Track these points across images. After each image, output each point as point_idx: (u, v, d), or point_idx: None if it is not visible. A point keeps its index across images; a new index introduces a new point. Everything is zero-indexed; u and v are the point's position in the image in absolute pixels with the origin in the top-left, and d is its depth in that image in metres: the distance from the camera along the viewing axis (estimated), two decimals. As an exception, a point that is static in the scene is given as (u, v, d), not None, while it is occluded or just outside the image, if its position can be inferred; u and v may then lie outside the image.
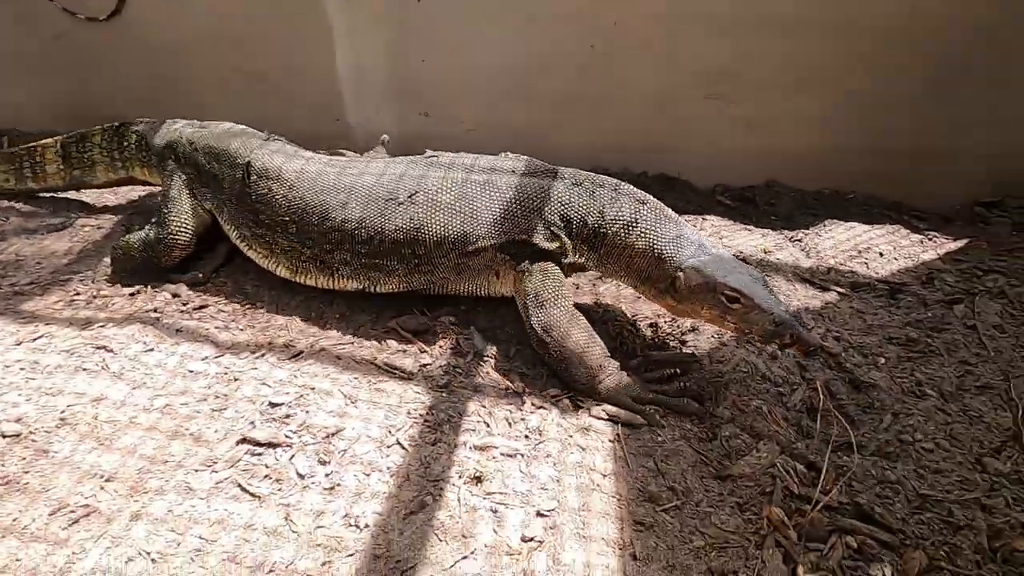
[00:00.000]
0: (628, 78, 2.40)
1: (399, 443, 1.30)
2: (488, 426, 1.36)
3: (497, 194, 1.58)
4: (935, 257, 2.03)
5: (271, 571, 1.04)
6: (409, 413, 1.38)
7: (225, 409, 1.35)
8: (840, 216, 2.28)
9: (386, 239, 1.59)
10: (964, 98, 2.20)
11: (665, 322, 1.75)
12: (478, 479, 1.22)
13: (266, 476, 1.20)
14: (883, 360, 1.59)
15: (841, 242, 2.13)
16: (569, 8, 2.28)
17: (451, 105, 2.58)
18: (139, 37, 2.59)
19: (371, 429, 1.32)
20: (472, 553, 1.08)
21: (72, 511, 1.12)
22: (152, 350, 1.52)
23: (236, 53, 2.57)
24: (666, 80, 2.37)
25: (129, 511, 1.13)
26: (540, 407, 1.42)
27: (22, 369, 1.43)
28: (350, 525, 1.12)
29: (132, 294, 1.79)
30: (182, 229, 1.81)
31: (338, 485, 1.19)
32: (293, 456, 1.24)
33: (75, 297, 1.77)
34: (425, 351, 1.60)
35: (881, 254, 2.05)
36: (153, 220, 1.85)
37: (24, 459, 1.21)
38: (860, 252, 2.07)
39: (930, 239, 2.13)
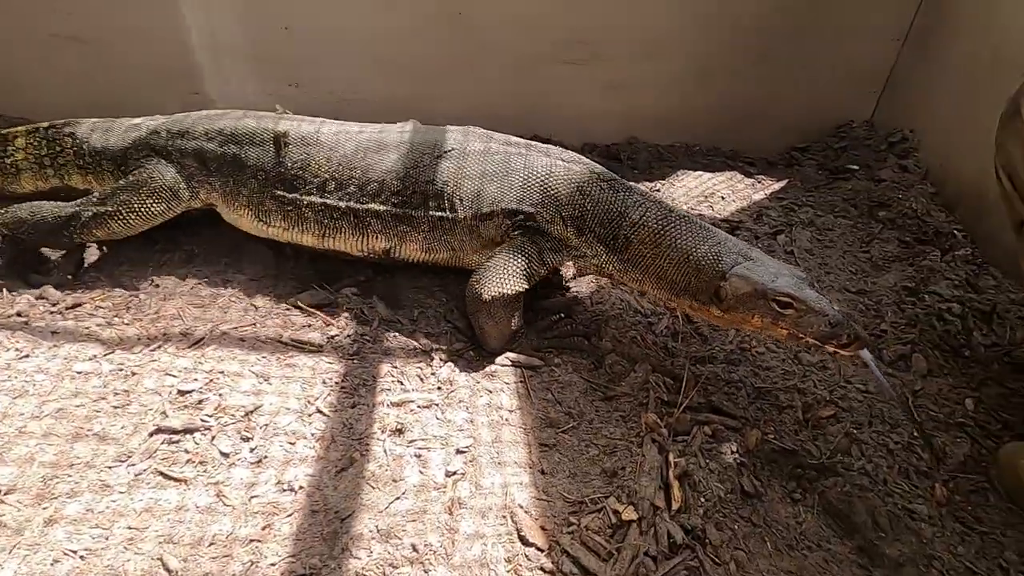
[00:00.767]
0: (496, 45, 2.50)
1: (319, 411, 1.37)
2: (402, 384, 1.48)
3: (522, 165, 1.61)
4: (763, 197, 2.43)
5: (212, 544, 1.09)
6: (325, 382, 1.45)
7: (129, 404, 1.32)
8: (690, 167, 2.61)
9: (417, 190, 1.61)
10: (778, 63, 2.60)
11: (551, 274, 1.94)
12: (399, 431, 1.34)
13: (189, 461, 1.22)
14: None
15: (691, 189, 2.45)
16: (434, -26, 2.32)
17: (322, 75, 2.52)
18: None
19: (289, 402, 1.38)
20: (403, 494, 1.21)
21: (-25, 528, 1.07)
22: (27, 356, 1.42)
23: (51, 14, 2.24)
24: (531, 47, 2.51)
25: (41, 518, 1.10)
26: (448, 361, 1.56)
27: None
28: (284, 490, 1.19)
29: (-17, 300, 1.62)
30: (144, 211, 1.70)
31: (265, 457, 1.25)
32: (214, 438, 1.27)
33: (-90, 310, 1.57)
34: (331, 323, 1.65)
35: (723, 198, 2.41)
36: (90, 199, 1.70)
37: (-101, 487, 1.12)
38: (706, 197, 2.41)
39: (759, 182, 2.53)
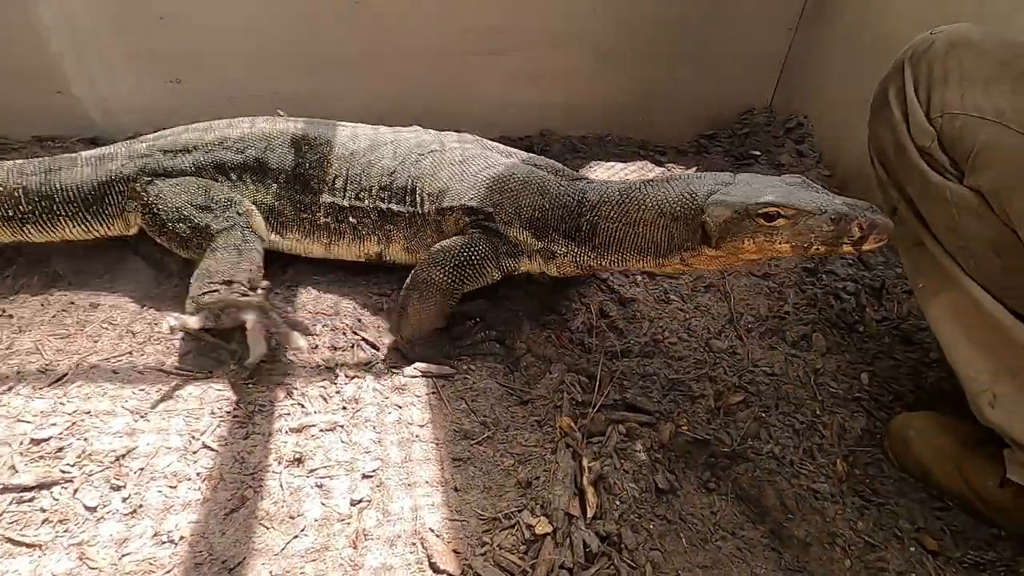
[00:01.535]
0: (400, 37, 2.38)
1: (206, 446, 1.24)
2: (303, 407, 1.37)
3: (483, 166, 1.60)
4: (674, 185, 2.46)
5: (74, 616, 0.96)
6: (214, 412, 1.32)
7: (-31, 461, 1.14)
8: (603, 157, 2.61)
9: (401, 185, 1.62)
10: (681, 52, 2.64)
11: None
12: (299, 460, 1.24)
13: (45, 521, 1.07)
14: (640, 277, 1.92)
15: (604, 179, 2.45)
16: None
17: (207, 70, 2.30)
18: None
19: (170, 439, 1.24)
20: (302, 531, 1.11)
21: None
22: None
23: None
24: (438, 38, 2.41)
25: None
26: (354, 376, 1.46)
27: None
28: (163, 543, 1.06)
29: None
30: (251, 223, 1.63)
31: (140, 507, 1.11)
32: (77, 491, 1.11)
33: None
34: (223, 345, 1.51)
35: (635, 187, 2.42)
36: (190, 245, 1.59)
37: None
38: (620, 187, 2.42)
39: (669, 170, 2.56)
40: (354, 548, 1.10)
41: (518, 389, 1.50)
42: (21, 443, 1.17)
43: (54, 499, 1.10)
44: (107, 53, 2.19)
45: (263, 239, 1.63)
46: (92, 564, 1.02)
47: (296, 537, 1.10)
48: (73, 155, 1.66)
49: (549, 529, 1.12)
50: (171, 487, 1.15)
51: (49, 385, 1.32)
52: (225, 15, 2.21)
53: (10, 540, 1.03)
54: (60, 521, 1.07)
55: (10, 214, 1.58)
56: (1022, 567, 1.23)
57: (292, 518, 1.13)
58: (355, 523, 1.14)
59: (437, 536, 1.13)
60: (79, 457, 1.17)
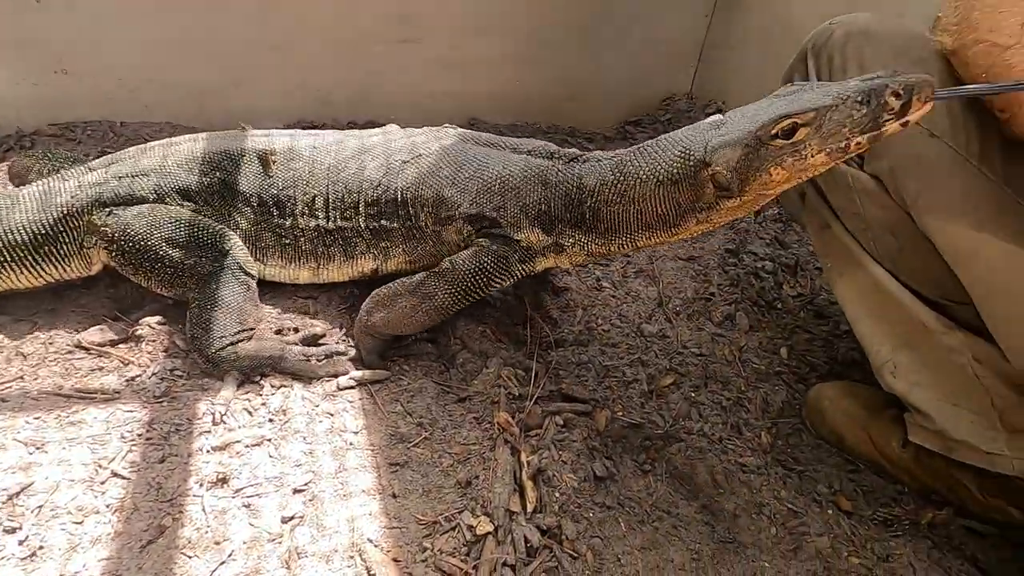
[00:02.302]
0: (315, 22, 2.27)
1: (116, 474, 1.15)
2: (225, 422, 1.29)
3: (476, 166, 1.47)
4: (602, 172, 2.50)
5: None
6: (123, 437, 1.22)
7: None
8: (532, 145, 2.60)
9: (391, 199, 1.51)
10: (603, 38, 2.66)
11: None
12: (223, 480, 1.16)
13: (-75, 576, 0.95)
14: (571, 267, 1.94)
15: (535, 169, 2.45)
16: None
17: (99, 59, 2.10)
18: None
19: (74, 470, 1.13)
20: (230, 556, 1.05)
21: None
22: None
23: None
24: (354, 24, 2.31)
25: None
26: (281, 386, 1.39)
27: None
28: (69, 585, 0.98)
29: None
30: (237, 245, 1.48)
31: (41, 548, 1.01)
32: (-38, 538, 1.00)
33: None
34: (130, 362, 1.39)
35: (565, 175, 2.43)
36: (185, 278, 1.43)
37: None
38: (550, 176, 2.42)
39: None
40: (287, 568, 1.05)
41: (455, 386, 1.48)
42: None
43: (-65, 550, 0.98)
44: (-26, 41, 1.95)
45: (254, 276, 1.49)
46: (-15, 618, 0.92)
47: (223, 563, 1.04)
48: (10, 191, 1.46)
49: (490, 528, 1.12)
50: (76, 523, 1.05)
51: (-78, 421, 1.17)
52: (115, 2, 2.02)
53: None
54: (-57, 574, 0.96)
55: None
56: (924, 519, 1.35)
57: (218, 543, 1.06)
58: (287, 542, 1.09)
59: (376, 546, 1.10)
60: (-37, 500, 1.05)
